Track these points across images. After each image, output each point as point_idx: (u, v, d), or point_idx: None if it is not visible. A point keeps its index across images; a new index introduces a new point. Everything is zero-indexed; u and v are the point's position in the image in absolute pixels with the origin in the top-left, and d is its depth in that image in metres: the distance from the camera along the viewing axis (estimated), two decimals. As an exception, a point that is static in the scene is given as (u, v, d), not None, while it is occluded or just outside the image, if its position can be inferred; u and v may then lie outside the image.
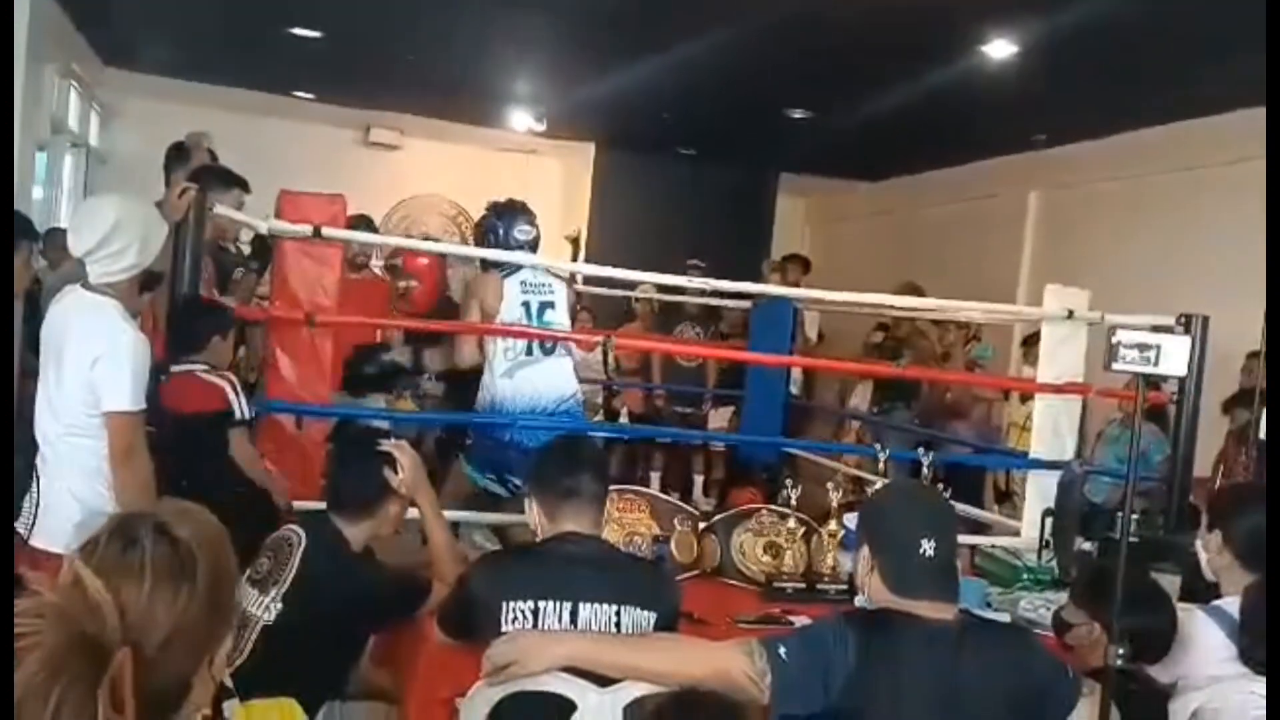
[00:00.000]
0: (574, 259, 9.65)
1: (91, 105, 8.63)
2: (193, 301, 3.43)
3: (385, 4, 6.21)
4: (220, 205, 3.58)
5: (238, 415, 3.43)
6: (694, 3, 5.26)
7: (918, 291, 6.99)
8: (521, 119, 9.07)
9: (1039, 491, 4.41)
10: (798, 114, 7.74)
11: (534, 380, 4.22)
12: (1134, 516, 2.84)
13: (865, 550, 2.14)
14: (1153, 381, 3.56)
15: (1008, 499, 6.54)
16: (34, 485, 2.78)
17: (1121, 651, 2.26)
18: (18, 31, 6.06)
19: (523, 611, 2.28)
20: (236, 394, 3.43)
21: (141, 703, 1.19)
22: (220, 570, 1.33)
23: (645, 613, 2.35)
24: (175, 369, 3.40)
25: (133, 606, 1.22)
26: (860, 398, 7.79)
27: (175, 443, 3.12)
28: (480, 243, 4.47)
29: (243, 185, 4.04)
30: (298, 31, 6.95)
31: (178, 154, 4.38)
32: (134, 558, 1.26)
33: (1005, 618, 3.30)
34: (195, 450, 3.28)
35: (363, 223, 5.50)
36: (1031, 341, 6.40)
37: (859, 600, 2.35)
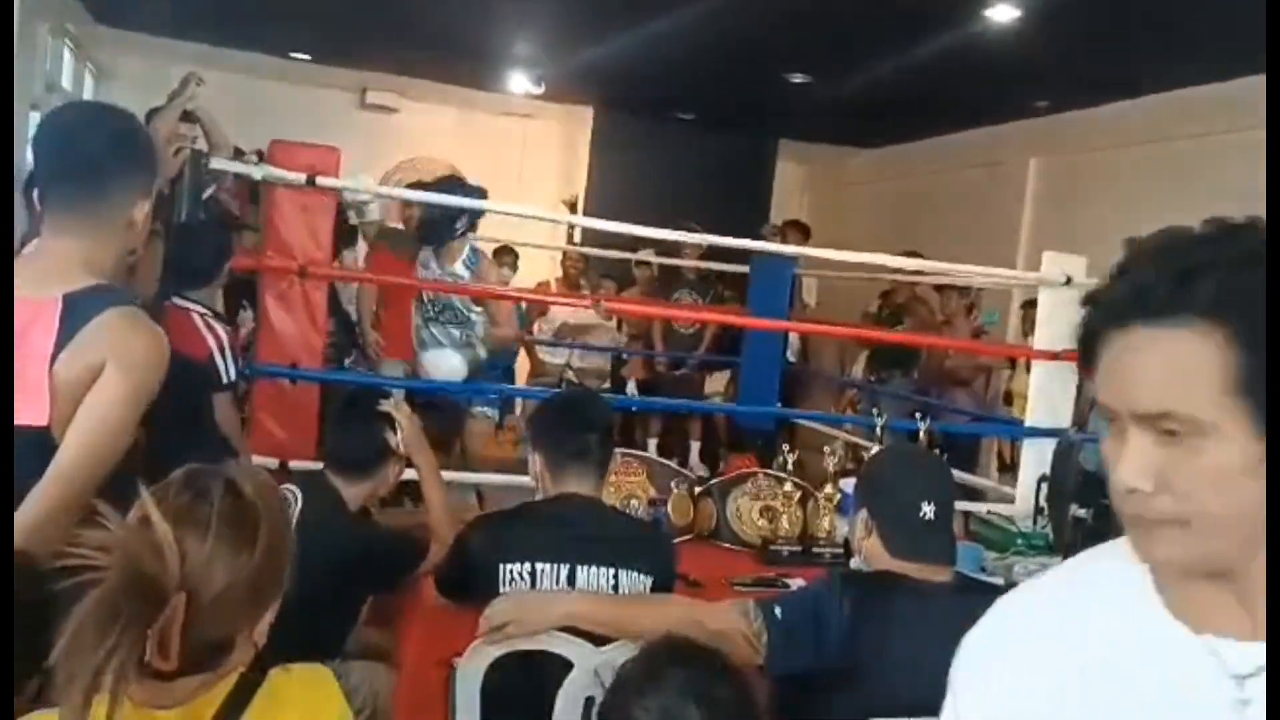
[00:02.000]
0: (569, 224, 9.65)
1: (85, 65, 8.55)
2: (199, 227, 3.33)
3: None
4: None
5: (223, 379, 3.34)
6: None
7: (917, 258, 6.97)
8: (520, 82, 9.00)
9: (1035, 459, 4.42)
10: (798, 79, 7.68)
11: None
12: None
13: (864, 513, 2.15)
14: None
15: (1011, 470, 6.55)
16: None
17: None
18: (10, -12, 6.01)
19: (520, 573, 2.29)
20: (223, 354, 3.32)
21: (185, 651, 1.24)
22: (279, 536, 1.37)
23: (642, 575, 2.35)
24: (175, 302, 3.31)
25: (194, 556, 1.26)
26: (859, 366, 7.78)
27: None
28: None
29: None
30: (293, -9, 6.89)
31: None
32: (202, 509, 1.30)
33: (999, 581, 3.32)
34: (177, 399, 3.21)
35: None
36: (1030, 307, 6.39)
37: (854, 563, 2.35)
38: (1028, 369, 6.47)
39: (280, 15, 7.54)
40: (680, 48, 7.03)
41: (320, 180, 3.62)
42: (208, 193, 4.06)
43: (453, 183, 4.55)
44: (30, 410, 1.65)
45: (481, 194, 4.36)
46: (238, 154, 4.71)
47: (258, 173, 3.71)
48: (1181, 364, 0.91)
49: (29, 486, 1.62)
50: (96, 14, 8.14)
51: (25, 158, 6.62)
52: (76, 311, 1.69)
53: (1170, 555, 0.97)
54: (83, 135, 1.81)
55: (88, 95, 8.73)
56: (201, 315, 3.32)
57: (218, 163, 3.55)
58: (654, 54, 7.30)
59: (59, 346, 1.67)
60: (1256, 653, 0.97)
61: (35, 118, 7.05)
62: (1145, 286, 0.93)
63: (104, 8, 8.00)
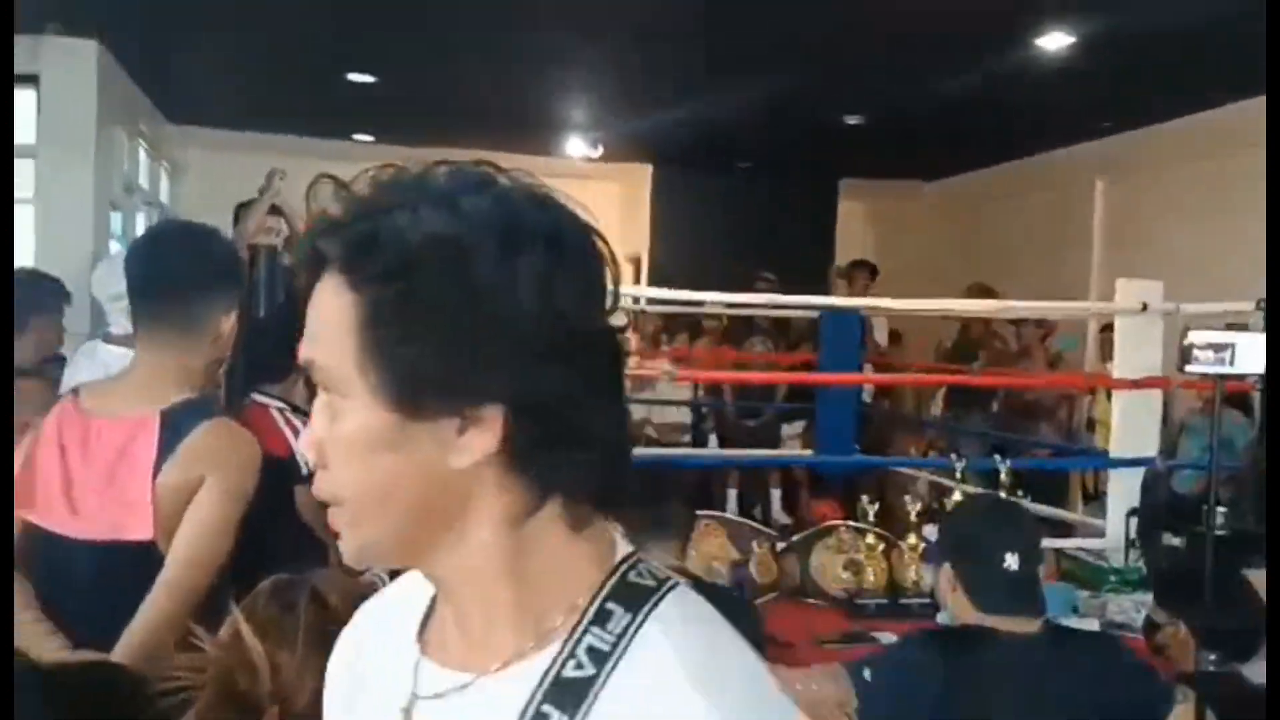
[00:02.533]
0: (635, 280, 9.73)
1: (160, 163, 8.90)
2: (274, 322, 3.39)
3: (437, 45, 6.32)
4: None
5: (304, 469, 3.36)
6: (743, 19, 5.25)
7: (988, 292, 6.88)
8: (577, 146, 9.15)
9: (1122, 490, 4.31)
10: (853, 120, 7.69)
11: None
12: (1221, 509, 2.78)
13: (946, 567, 2.12)
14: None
15: (1096, 499, 6.40)
16: None
17: (1214, 656, 2.20)
18: (89, 95, 6.30)
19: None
20: None
21: None
22: None
23: (726, 642, 2.33)
24: (255, 398, 3.38)
25: (285, 668, 1.29)
26: (937, 401, 7.69)
27: None
28: None
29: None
30: (354, 77, 7.11)
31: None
32: (290, 621, 1.33)
33: (1094, 623, 3.24)
34: (259, 496, 3.25)
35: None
36: (1109, 331, 6.26)
37: (941, 617, 2.32)
38: (1109, 396, 6.35)
39: (342, 100, 7.78)
40: (733, 100, 7.11)
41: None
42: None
43: None
44: (136, 525, 1.73)
45: None
46: None
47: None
48: (327, 314, 0.81)
49: (138, 598, 1.68)
50: (168, 113, 8.48)
51: (110, 263, 6.90)
52: (174, 427, 1.77)
53: (344, 545, 0.83)
54: (170, 256, 1.92)
55: (163, 191, 9.08)
56: (280, 410, 3.37)
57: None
58: (708, 108, 7.39)
59: (159, 462, 1.74)
60: (444, 679, 0.84)
61: (117, 218, 7.34)
62: (321, 229, 0.83)
63: (175, 107, 8.34)
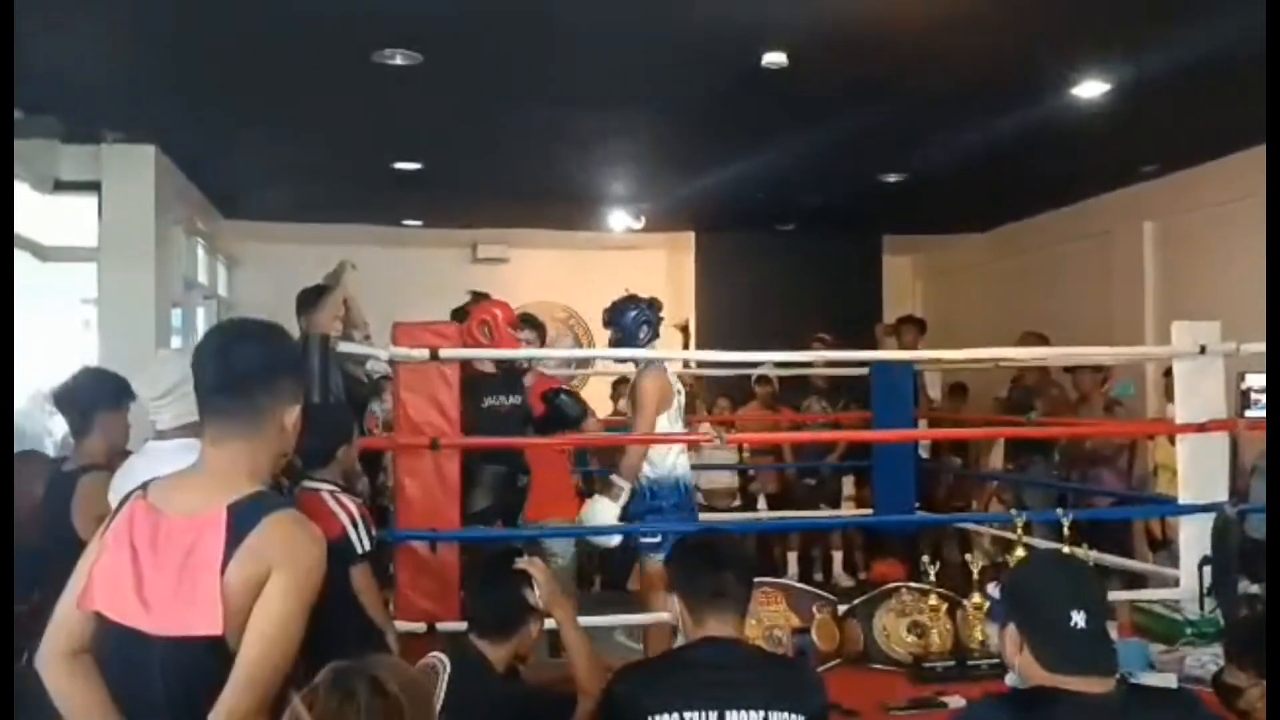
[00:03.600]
0: (684, 346, 9.77)
1: (216, 257, 9.15)
2: (319, 410, 3.45)
3: (481, 130, 6.46)
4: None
5: (358, 549, 3.40)
6: (779, 84, 5.32)
7: (1042, 340, 6.82)
8: (620, 219, 9.28)
9: (1194, 537, 4.20)
10: (893, 178, 7.72)
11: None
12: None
13: (1012, 627, 2.08)
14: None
15: (1164, 547, 6.24)
16: None
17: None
18: (147, 198, 6.52)
19: (670, 723, 2.28)
20: (355, 526, 3.38)
21: None
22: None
23: (794, 715, 2.32)
24: (304, 485, 3.44)
25: None
26: (997, 452, 7.58)
27: None
28: (634, 336, 4.59)
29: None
30: (400, 166, 7.29)
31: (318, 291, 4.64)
32: (350, 710, 1.37)
33: (1171, 678, 3.15)
34: None
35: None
36: (1170, 375, 6.17)
37: (1009, 679, 2.27)
38: (1172, 440, 6.22)
39: (390, 188, 7.97)
40: (773, 166, 7.18)
41: (443, 353, 3.77)
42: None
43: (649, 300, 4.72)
44: (205, 621, 1.76)
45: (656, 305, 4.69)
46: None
47: (384, 354, 3.88)
48: None
49: (210, 693, 1.72)
50: (225, 210, 8.73)
51: (155, 363, 7.08)
52: (241, 521, 1.80)
53: None
54: (236, 352, 1.96)
55: (221, 284, 9.33)
56: (331, 493, 3.43)
57: (345, 346, 3.73)
58: (748, 176, 7.48)
59: (227, 557, 1.78)
60: None
61: (178, 314, 7.54)
62: None
63: (230, 204, 8.60)
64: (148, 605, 1.78)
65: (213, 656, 1.75)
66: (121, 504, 1.92)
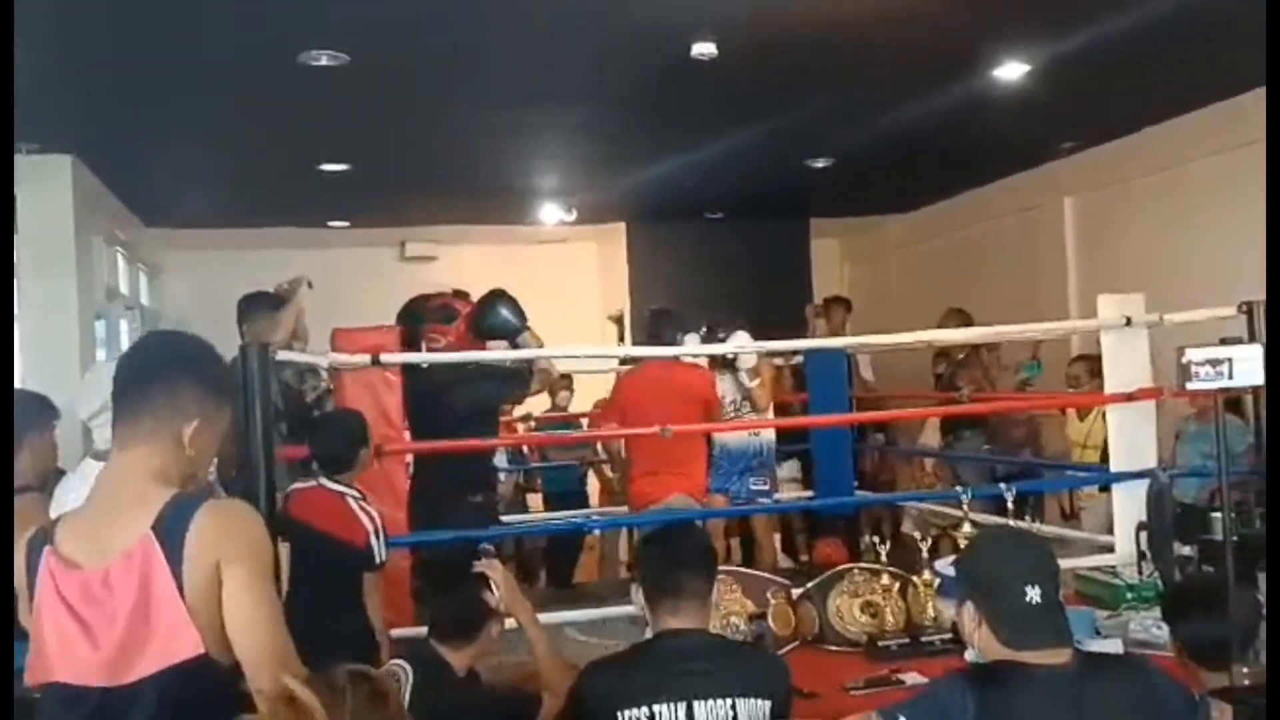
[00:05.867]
0: (620, 338, 9.78)
1: (137, 266, 8.92)
2: (332, 415, 3.43)
3: (409, 129, 6.40)
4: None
5: (376, 559, 3.42)
6: (708, 74, 5.34)
7: (964, 318, 6.97)
8: (552, 212, 9.24)
9: (1126, 504, 4.34)
10: (819, 163, 7.80)
11: None
12: (1231, 515, 2.80)
13: (969, 605, 2.13)
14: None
15: (1074, 518, 6.44)
16: None
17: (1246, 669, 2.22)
18: (65, 209, 6.34)
19: (639, 717, 2.30)
20: (377, 536, 3.40)
21: None
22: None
23: (760, 701, 2.35)
24: (324, 484, 3.46)
25: None
26: (932, 429, 7.71)
27: (308, 561, 3.22)
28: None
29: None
30: (326, 167, 7.17)
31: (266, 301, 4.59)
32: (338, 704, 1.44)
33: (1118, 643, 3.25)
34: (328, 579, 3.33)
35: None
36: (1078, 361, 6.38)
37: (969, 655, 2.33)
38: (1080, 417, 6.41)
39: (316, 190, 7.85)
40: (702, 157, 7.22)
41: (384, 357, 3.74)
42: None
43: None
44: (186, 646, 1.72)
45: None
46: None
47: (324, 361, 3.83)
48: None
49: (208, 703, 1.70)
50: (146, 218, 8.52)
51: (84, 384, 6.89)
52: (171, 536, 1.75)
53: None
54: (140, 359, 1.96)
55: (143, 293, 9.10)
56: (355, 499, 3.45)
57: (283, 355, 3.67)
58: (677, 167, 7.51)
59: (178, 576, 1.73)
60: None
61: (100, 326, 7.35)
62: None
63: (151, 211, 8.39)
64: (112, 660, 1.71)
65: (205, 675, 1.73)
66: (31, 553, 1.82)
